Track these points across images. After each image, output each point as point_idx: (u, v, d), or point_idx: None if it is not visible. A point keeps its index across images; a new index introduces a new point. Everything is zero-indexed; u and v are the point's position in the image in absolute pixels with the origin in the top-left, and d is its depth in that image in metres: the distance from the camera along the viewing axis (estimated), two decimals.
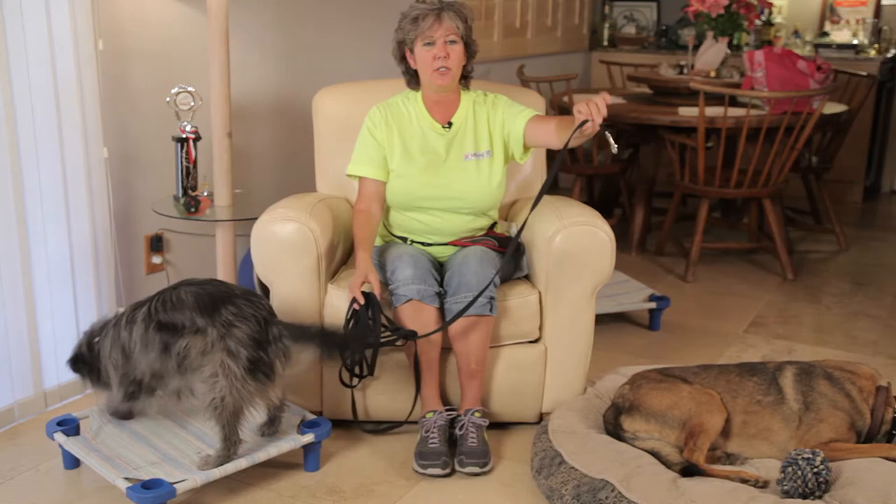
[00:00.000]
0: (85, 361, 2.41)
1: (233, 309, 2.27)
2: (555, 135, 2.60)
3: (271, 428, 2.47)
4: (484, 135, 2.76)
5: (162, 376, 2.33)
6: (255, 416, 2.41)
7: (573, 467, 2.29)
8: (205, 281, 2.38)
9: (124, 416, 2.52)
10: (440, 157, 2.74)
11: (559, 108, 4.76)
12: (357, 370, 2.59)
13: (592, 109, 2.37)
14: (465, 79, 2.79)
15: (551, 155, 4.33)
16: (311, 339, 2.39)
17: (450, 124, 2.76)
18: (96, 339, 2.40)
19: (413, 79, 2.77)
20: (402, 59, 2.75)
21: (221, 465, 2.31)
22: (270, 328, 2.30)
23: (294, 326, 2.37)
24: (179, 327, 2.28)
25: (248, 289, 2.43)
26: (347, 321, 2.54)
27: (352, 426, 2.72)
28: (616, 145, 2.44)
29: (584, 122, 2.39)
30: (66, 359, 2.46)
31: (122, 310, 2.43)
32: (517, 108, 2.76)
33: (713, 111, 4.23)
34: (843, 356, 3.32)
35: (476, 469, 2.49)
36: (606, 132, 2.41)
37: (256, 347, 2.26)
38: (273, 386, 2.33)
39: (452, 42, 2.64)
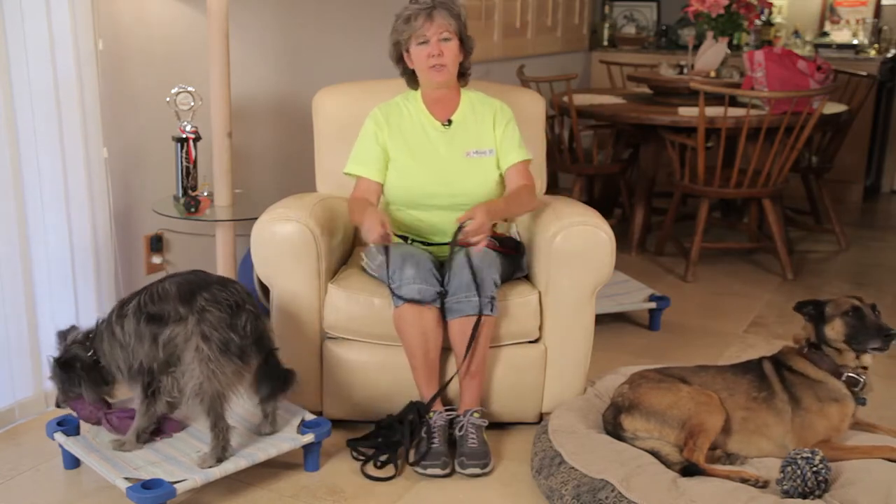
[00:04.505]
0: (78, 359, 2.39)
1: (206, 295, 2.29)
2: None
3: (267, 425, 2.47)
4: (487, 134, 2.78)
5: (165, 364, 2.34)
6: (241, 402, 2.41)
7: (573, 467, 2.29)
8: (188, 272, 2.41)
9: (151, 431, 2.45)
10: (441, 154, 2.75)
11: (559, 108, 4.76)
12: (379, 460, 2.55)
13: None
14: (463, 76, 2.81)
15: (551, 154, 4.34)
16: (260, 351, 2.35)
17: (449, 122, 2.78)
18: (90, 335, 2.41)
19: (412, 79, 2.80)
20: (400, 60, 2.78)
21: (218, 456, 2.31)
22: (240, 314, 2.31)
23: (260, 327, 2.35)
24: (165, 317, 2.30)
25: (225, 277, 2.44)
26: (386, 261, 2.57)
27: (348, 426, 2.73)
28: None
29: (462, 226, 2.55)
30: (53, 359, 2.42)
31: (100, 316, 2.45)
32: (514, 141, 2.78)
33: (713, 111, 4.23)
34: None
35: (477, 471, 2.49)
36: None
37: (228, 330, 2.27)
38: (249, 368, 2.34)
39: (446, 39, 2.67)
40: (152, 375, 2.36)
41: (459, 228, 2.54)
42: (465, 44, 2.74)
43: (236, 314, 2.30)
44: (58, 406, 2.48)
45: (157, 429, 2.47)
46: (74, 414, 2.48)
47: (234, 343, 2.28)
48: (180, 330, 2.28)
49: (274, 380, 2.41)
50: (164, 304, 2.31)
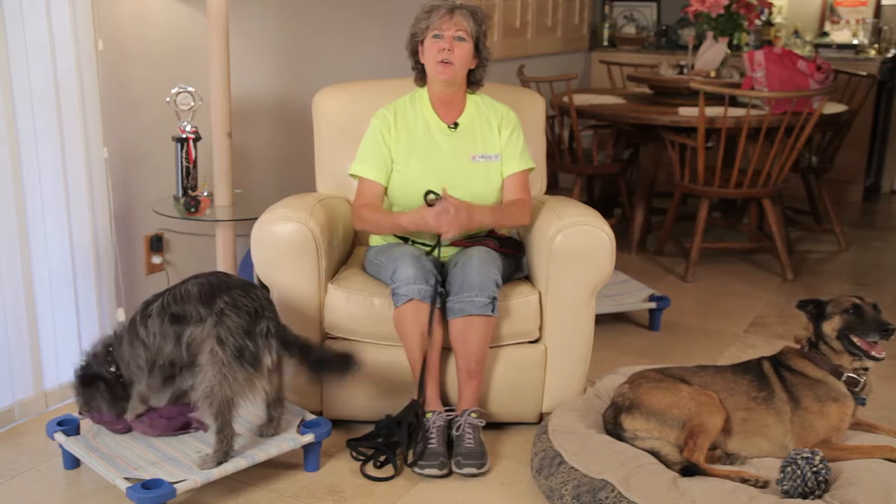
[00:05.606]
0: (100, 376, 2.40)
1: (227, 298, 2.30)
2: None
3: (270, 428, 2.47)
4: (493, 138, 2.78)
5: (187, 364, 2.35)
6: (249, 408, 2.41)
7: (573, 467, 2.29)
8: (211, 273, 2.42)
9: (182, 426, 2.49)
10: (446, 157, 2.75)
11: (559, 108, 4.76)
12: (379, 459, 2.56)
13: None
14: (473, 85, 2.81)
15: (551, 154, 4.34)
16: (292, 350, 2.37)
17: (456, 125, 2.77)
18: (110, 349, 2.41)
19: (421, 74, 2.80)
20: (414, 53, 2.78)
21: (219, 460, 2.31)
22: (259, 321, 2.31)
23: (283, 330, 2.36)
24: (187, 318, 2.31)
25: (248, 281, 2.44)
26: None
27: (348, 426, 2.73)
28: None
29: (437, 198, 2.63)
30: (76, 374, 2.43)
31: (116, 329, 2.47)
32: (516, 149, 2.79)
33: (713, 111, 4.23)
34: None
35: (474, 470, 2.49)
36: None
37: (244, 336, 2.27)
38: (261, 377, 2.33)
39: (461, 39, 2.67)
40: (173, 370, 2.37)
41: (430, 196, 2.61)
42: (480, 51, 2.74)
43: (254, 321, 2.30)
44: (80, 414, 2.48)
45: (187, 422, 2.49)
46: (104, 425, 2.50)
47: (249, 351, 2.28)
48: (199, 330, 2.29)
49: (330, 365, 2.42)
50: (186, 304, 2.32)
